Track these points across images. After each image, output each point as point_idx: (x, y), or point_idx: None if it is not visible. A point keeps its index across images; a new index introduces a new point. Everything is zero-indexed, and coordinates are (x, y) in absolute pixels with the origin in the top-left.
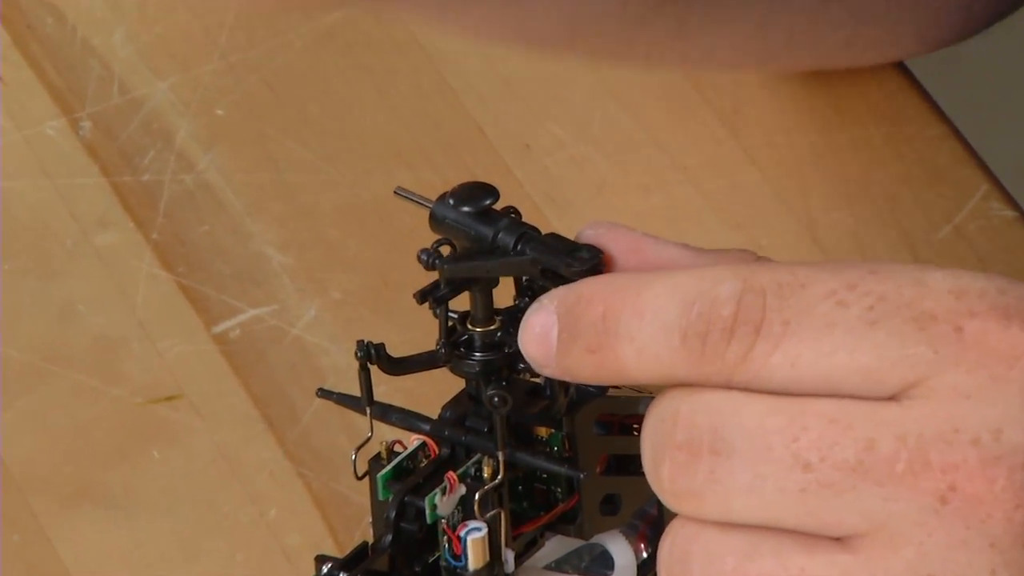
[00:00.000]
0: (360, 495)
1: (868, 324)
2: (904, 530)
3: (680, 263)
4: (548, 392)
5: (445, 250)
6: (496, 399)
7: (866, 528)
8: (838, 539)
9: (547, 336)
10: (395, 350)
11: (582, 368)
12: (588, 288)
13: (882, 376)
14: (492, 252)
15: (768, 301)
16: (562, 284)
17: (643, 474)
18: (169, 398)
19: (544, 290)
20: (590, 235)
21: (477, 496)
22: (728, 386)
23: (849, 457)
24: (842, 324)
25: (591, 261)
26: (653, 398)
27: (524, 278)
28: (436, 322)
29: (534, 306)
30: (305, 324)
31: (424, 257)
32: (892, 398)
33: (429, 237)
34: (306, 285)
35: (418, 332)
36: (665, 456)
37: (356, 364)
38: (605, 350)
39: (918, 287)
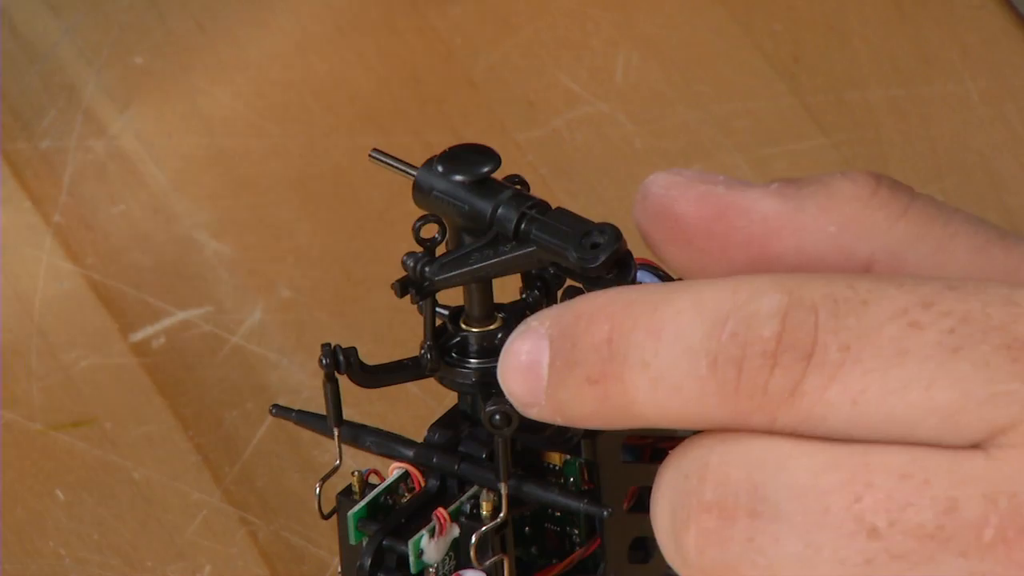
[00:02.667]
0: (320, 546)
1: (949, 352)
2: None
3: (779, 219)
4: None
5: (440, 250)
6: (497, 417)
7: None
8: None
9: (535, 366)
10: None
11: (579, 404)
12: (589, 305)
13: (966, 418)
14: (490, 236)
15: (821, 320)
16: (574, 279)
17: None
18: (76, 424)
19: (559, 279)
20: (656, 194)
21: (474, 539)
22: (772, 430)
23: (926, 521)
24: (916, 351)
25: (607, 249)
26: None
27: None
28: (415, 325)
29: (519, 329)
30: (247, 330)
31: (411, 263)
32: (977, 446)
33: (402, 219)
34: (248, 281)
35: (389, 343)
36: (690, 521)
37: (311, 380)
38: (610, 380)
39: (1009, 307)
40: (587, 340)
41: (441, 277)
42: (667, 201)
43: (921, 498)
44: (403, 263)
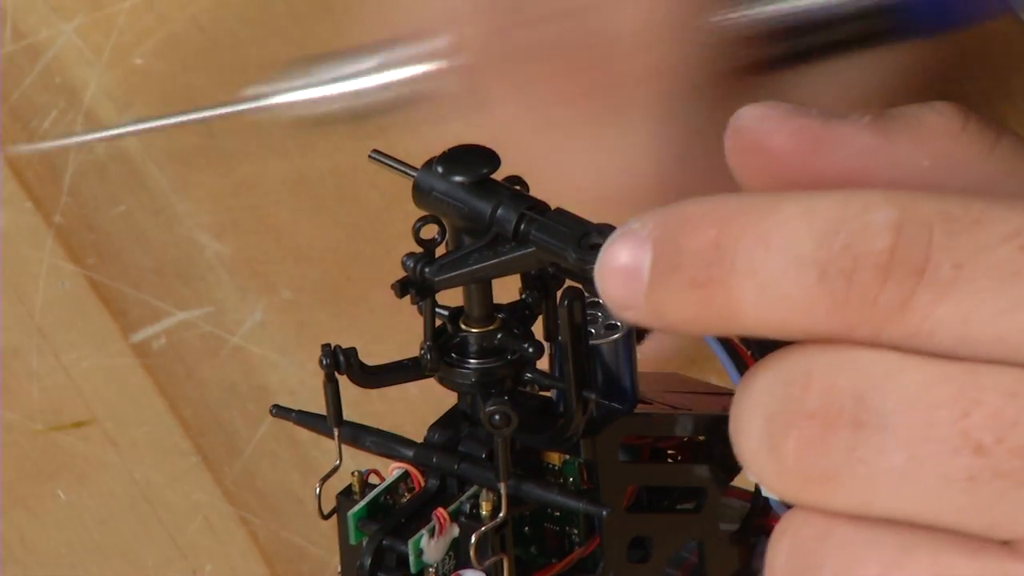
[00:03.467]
0: (319, 545)
1: None
2: None
3: (873, 154)
4: (562, 408)
5: (440, 250)
6: (497, 417)
7: None
8: (1006, 543)
9: (637, 268)
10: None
11: (682, 308)
12: (696, 208)
13: None
14: (490, 237)
15: (935, 237)
16: (573, 280)
17: (681, 511)
18: (77, 424)
19: (559, 280)
20: (749, 128)
21: (474, 538)
22: (876, 343)
23: None
24: None
25: None
26: (694, 416)
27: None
28: (415, 327)
29: (619, 232)
30: (247, 331)
31: (411, 264)
32: None
33: (402, 220)
34: (248, 281)
35: (389, 342)
36: (791, 427)
37: (311, 380)
38: (715, 285)
39: None
40: (693, 243)
41: (441, 278)
42: (761, 134)
43: None
44: (403, 263)
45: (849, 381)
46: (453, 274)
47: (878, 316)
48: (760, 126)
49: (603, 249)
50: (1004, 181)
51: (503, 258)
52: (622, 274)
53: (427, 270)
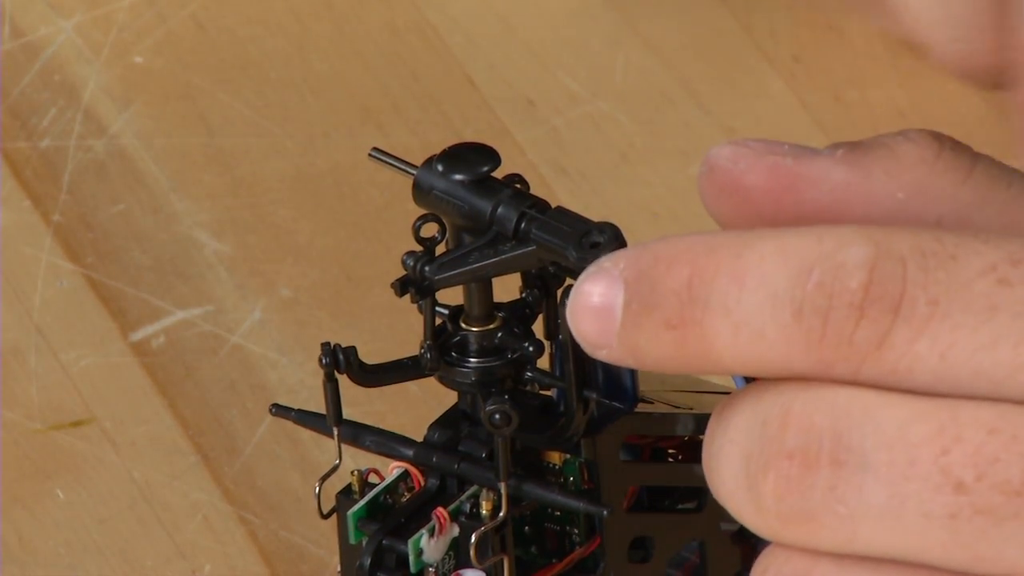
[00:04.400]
0: (320, 545)
1: None
2: None
3: (848, 189)
4: (563, 408)
5: (440, 249)
6: (497, 417)
7: None
8: None
9: (609, 308)
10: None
11: (656, 348)
12: (668, 248)
13: None
14: (490, 236)
15: (910, 273)
16: (573, 279)
17: (681, 511)
18: (76, 423)
19: (559, 279)
20: (723, 167)
21: (474, 538)
22: (855, 381)
23: (1013, 477)
24: (1006, 308)
25: (607, 249)
26: (694, 415)
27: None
28: (414, 327)
29: (590, 270)
30: (247, 330)
31: (411, 262)
32: None
33: (402, 218)
34: (248, 280)
35: (389, 341)
36: (769, 467)
37: (311, 379)
38: (690, 325)
39: None
40: (667, 283)
41: (441, 276)
42: (735, 174)
43: (1009, 453)
44: (403, 262)
45: (828, 420)
46: (453, 273)
47: (855, 354)
48: (733, 166)
49: (575, 288)
50: (980, 208)
51: (503, 257)
52: (594, 314)
53: (427, 269)
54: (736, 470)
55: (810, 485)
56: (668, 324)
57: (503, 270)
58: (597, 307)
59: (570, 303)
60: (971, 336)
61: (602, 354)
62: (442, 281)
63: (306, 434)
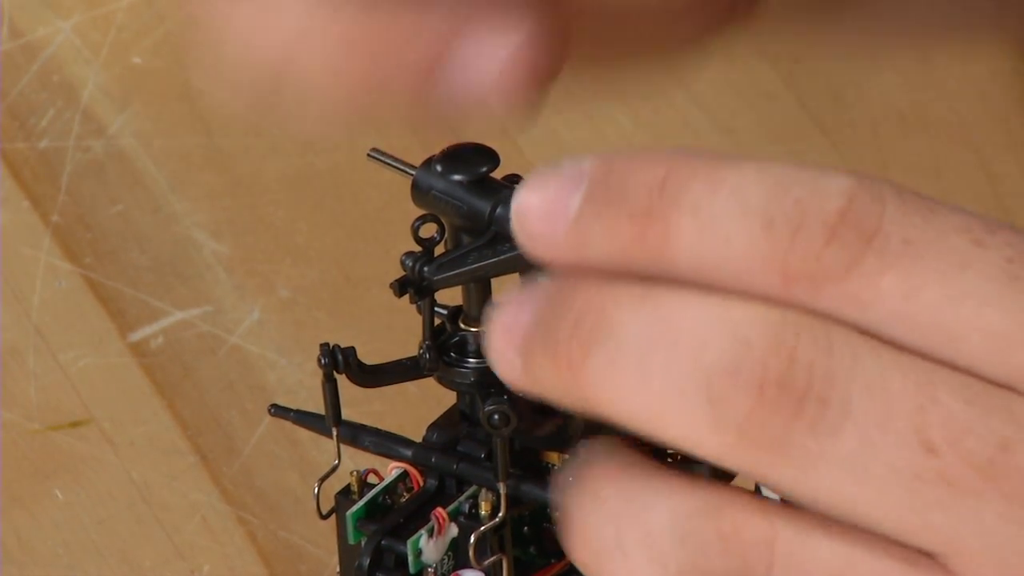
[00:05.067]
0: (318, 545)
1: (1009, 278)
2: (1019, 563)
3: None
4: (562, 408)
5: (439, 249)
6: (495, 417)
7: (976, 548)
8: (930, 556)
9: (562, 201)
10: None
11: (609, 240)
12: (648, 152)
13: (1013, 348)
14: (489, 236)
15: (888, 209)
16: None
17: None
18: (74, 424)
19: None
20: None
21: (473, 538)
22: (810, 303)
23: (981, 452)
24: (977, 268)
25: None
26: None
27: None
28: (413, 327)
29: (546, 169)
30: (245, 330)
31: (409, 263)
32: (1011, 386)
33: (401, 219)
34: (246, 280)
35: (388, 341)
36: (752, 387)
37: (309, 380)
38: (654, 219)
39: None
40: (639, 178)
41: (440, 276)
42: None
43: (981, 427)
44: (402, 263)
45: (821, 357)
46: (452, 273)
47: (819, 273)
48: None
49: (525, 182)
50: None
51: (502, 257)
52: (544, 203)
53: (426, 269)
54: (688, 377)
55: (791, 415)
56: (631, 215)
57: (502, 270)
58: (550, 198)
59: (517, 195)
60: (939, 283)
61: (548, 249)
62: (441, 281)
63: (305, 434)
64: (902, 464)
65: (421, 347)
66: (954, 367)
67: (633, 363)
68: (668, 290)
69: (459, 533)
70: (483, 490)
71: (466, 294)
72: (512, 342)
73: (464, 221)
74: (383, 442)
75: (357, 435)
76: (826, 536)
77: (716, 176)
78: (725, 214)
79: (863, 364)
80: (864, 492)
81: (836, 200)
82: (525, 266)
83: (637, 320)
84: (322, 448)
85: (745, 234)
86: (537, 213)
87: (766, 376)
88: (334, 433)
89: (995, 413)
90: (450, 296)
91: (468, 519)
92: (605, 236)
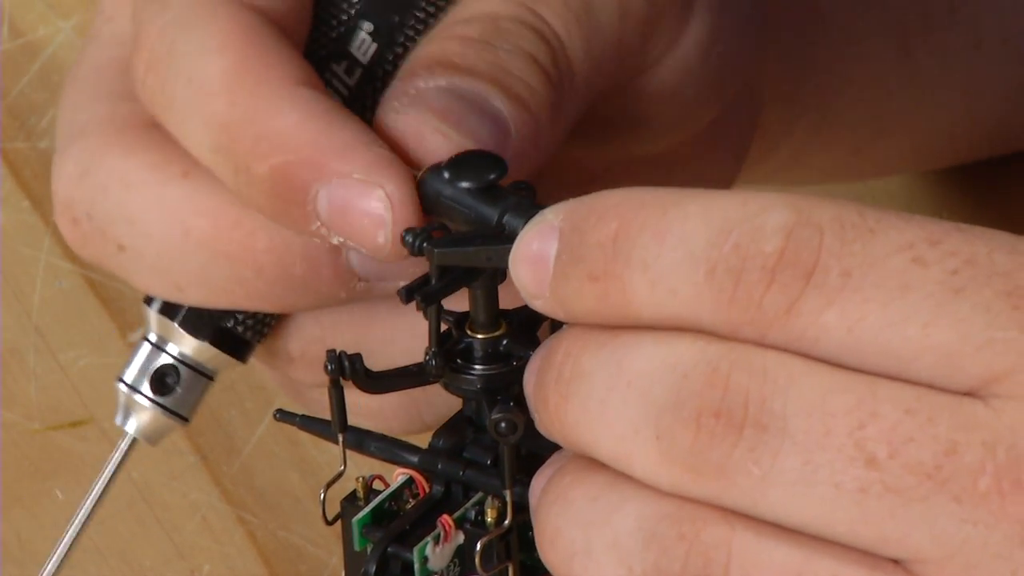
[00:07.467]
0: (318, 545)
1: (951, 292)
2: (983, 562)
3: None
4: None
5: (437, 235)
6: (503, 424)
7: (935, 553)
8: (895, 562)
9: (544, 257)
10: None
11: (580, 300)
12: (602, 201)
13: (962, 361)
14: (497, 238)
15: (826, 242)
16: None
17: None
18: (74, 424)
19: None
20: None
21: (479, 545)
22: (761, 345)
23: (926, 459)
24: (918, 288)
25: None
26: None
27: None
28: (421, 330)
29: (535, 219)
30: None
31: (409, 239)
32: (970, 393)
33: None
34: None
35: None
36: (692, 419)
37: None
38: (611, 279)
39: (1014, 255)
40: (594, 236)
41: (441, 250)
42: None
43: (923, 435)
44: (402, 239)
45: (755, 382)
46: (453, 250)
47: (762, 318)
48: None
49: (519, 237)
50: None
51: (507, 245)
52: (531, 262)
53: (426, 244)
54: (639, 415)
55: (732, 443)
56: (591, 276)
57: (502, 261)
58: (535, 256)
59: (512, 251)
60: (880, 312)
61: (538, 304)
62: (444, 256)
63: (305, 434)
64: (846, 479)
65: (427, 353)
66: (895, 379)
67: (598, 407)
68: (628, 335)
69: (465, 540)
70: (489, 497)
71: (472, 300)
72: (543, 268)
73: (470, 227)
74: (389, 448)
75: (363, 441)
76: (784, 539)
77: (662, 226)
78: (671, 266)
79: (799, 385)
80: (814, 508)
81: (774, 239)
82: None
83: (600, 366)
84: (322, 448)
85: (690, 286)
86: (527, 272)
87: (703, 407)
88: (340, 439)
89: (941, 419)
90: (456, 302)
91: (474, 526)
92: (576, 295)
